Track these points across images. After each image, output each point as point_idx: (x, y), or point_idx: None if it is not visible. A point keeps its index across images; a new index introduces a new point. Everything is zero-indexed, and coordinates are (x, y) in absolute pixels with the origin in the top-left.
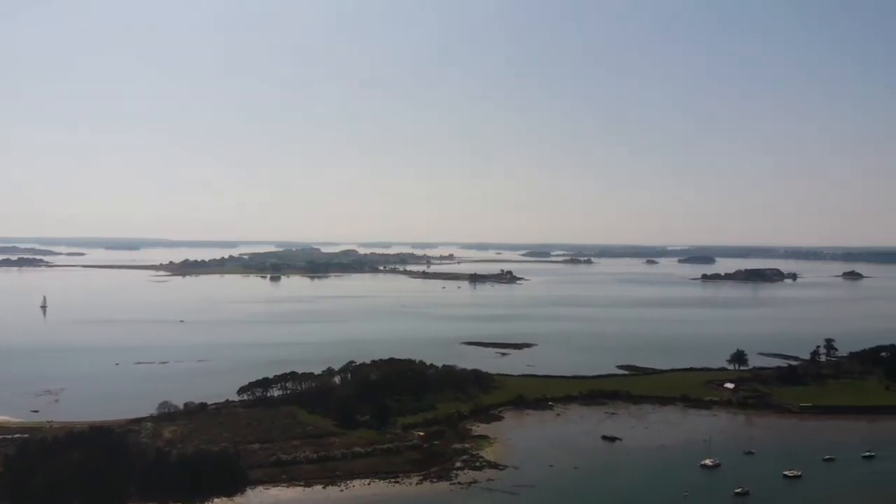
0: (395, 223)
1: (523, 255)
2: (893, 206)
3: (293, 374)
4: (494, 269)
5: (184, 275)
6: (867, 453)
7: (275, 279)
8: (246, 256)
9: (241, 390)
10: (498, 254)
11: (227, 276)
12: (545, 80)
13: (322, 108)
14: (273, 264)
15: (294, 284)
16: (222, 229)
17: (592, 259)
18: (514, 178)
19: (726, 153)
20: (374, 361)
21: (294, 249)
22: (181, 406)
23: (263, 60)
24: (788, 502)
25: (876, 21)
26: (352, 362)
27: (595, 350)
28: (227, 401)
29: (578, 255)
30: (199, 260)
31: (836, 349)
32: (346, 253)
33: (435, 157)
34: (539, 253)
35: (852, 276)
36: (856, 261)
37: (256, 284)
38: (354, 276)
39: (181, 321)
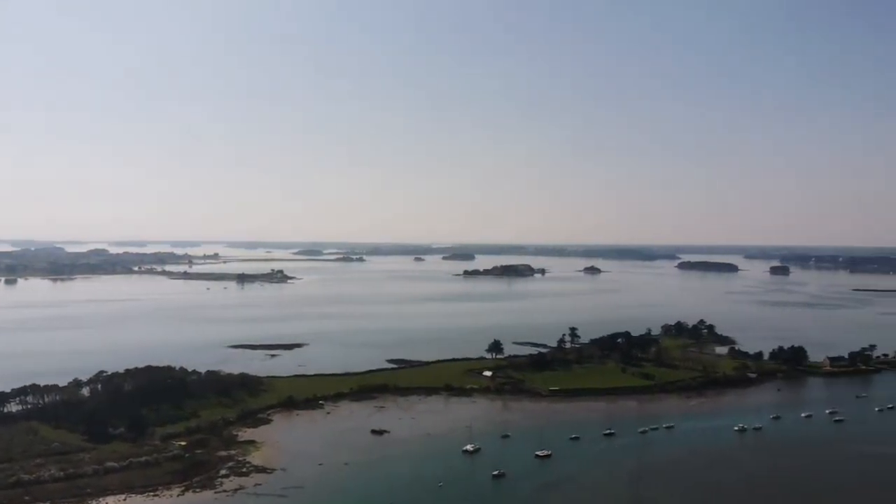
0: (154, 221)
1: (295, 253)
2: (624, 209)
3: (34, 386)
4: (264, 268)
5: None
6: (607, 431)
7: (10, 282)
8: None
9: None
10: (268, 252)
11: None
12: (306, 79)
13: (84, 91)
14: (7, 265)
15: (33, 287)
16: None
17: (364, 257)
18: (285, 176)
19: (484, 161)
20: (128, 370)
21: (33, 249)
22: None
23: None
24: (540, 480)
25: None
26: (102, 372)
27: (366, 346)
28: None
29: (350, 254)
30: None
31: (579, 336)
32: (95, 252)
33: (200, 153)
34: (311, 251)
35: (592, 270)
36: (595, 257)
37: None
38: (105, 277)
39: None
